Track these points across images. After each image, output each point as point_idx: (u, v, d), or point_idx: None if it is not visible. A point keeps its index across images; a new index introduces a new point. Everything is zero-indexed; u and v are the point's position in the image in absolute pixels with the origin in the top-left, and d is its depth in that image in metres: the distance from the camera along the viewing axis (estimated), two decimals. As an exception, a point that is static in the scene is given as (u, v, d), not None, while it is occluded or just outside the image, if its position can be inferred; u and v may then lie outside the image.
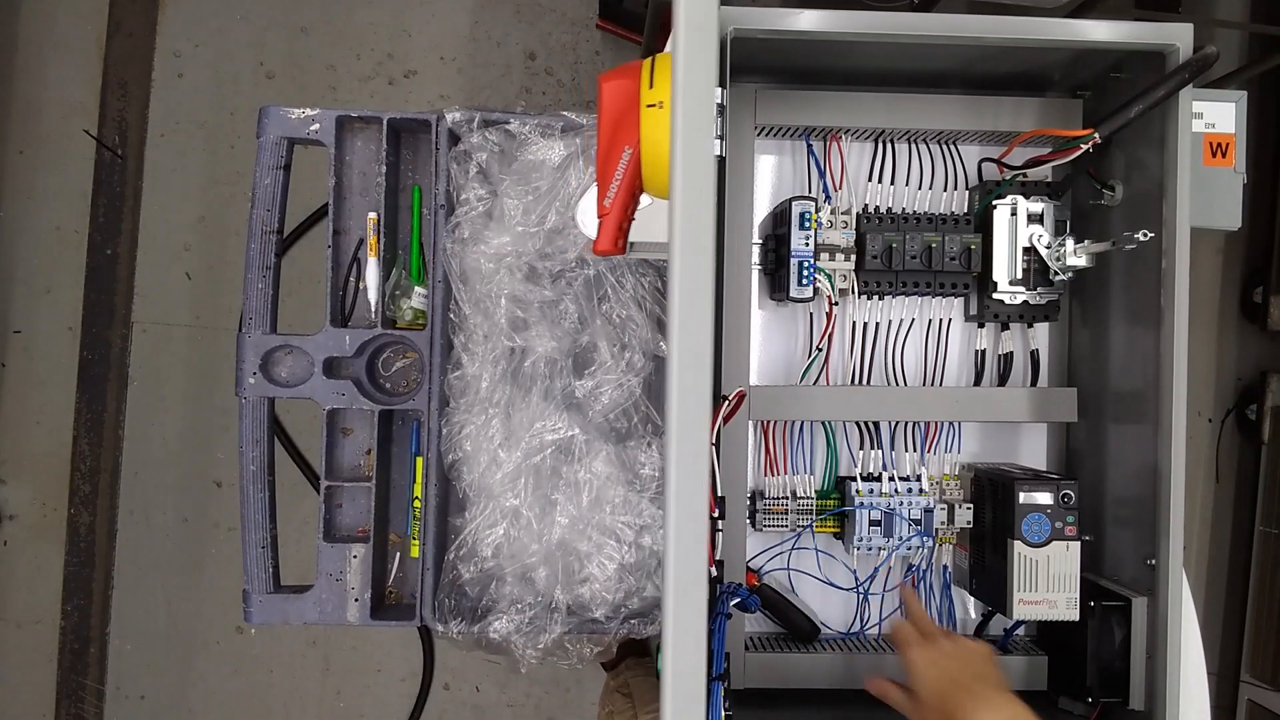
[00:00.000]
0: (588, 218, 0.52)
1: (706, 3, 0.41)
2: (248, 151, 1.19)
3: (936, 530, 1.00)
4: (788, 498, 1.01)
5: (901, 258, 0.96)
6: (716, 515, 0.78)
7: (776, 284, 0.99)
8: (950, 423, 1.03)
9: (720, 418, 0.88)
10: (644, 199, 0.91)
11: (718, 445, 0.92)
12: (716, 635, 0.74)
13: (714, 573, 0.77)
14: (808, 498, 1.01)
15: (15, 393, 1.97)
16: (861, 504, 0.98)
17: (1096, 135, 0.86)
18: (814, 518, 1.01)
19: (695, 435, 0.45)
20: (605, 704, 1.28)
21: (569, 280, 1.06)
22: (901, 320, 1.04)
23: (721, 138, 0.88)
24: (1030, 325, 1.03)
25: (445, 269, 1.04)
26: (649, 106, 0.45)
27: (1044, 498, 0.91)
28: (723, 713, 0.72)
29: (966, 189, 1.04)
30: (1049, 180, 1.00)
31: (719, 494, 0.80)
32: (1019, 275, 0.97)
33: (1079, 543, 0.91)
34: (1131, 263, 0.92)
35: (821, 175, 1.03)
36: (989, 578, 0.96)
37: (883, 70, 0.96)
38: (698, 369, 0.45)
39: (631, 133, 0.46)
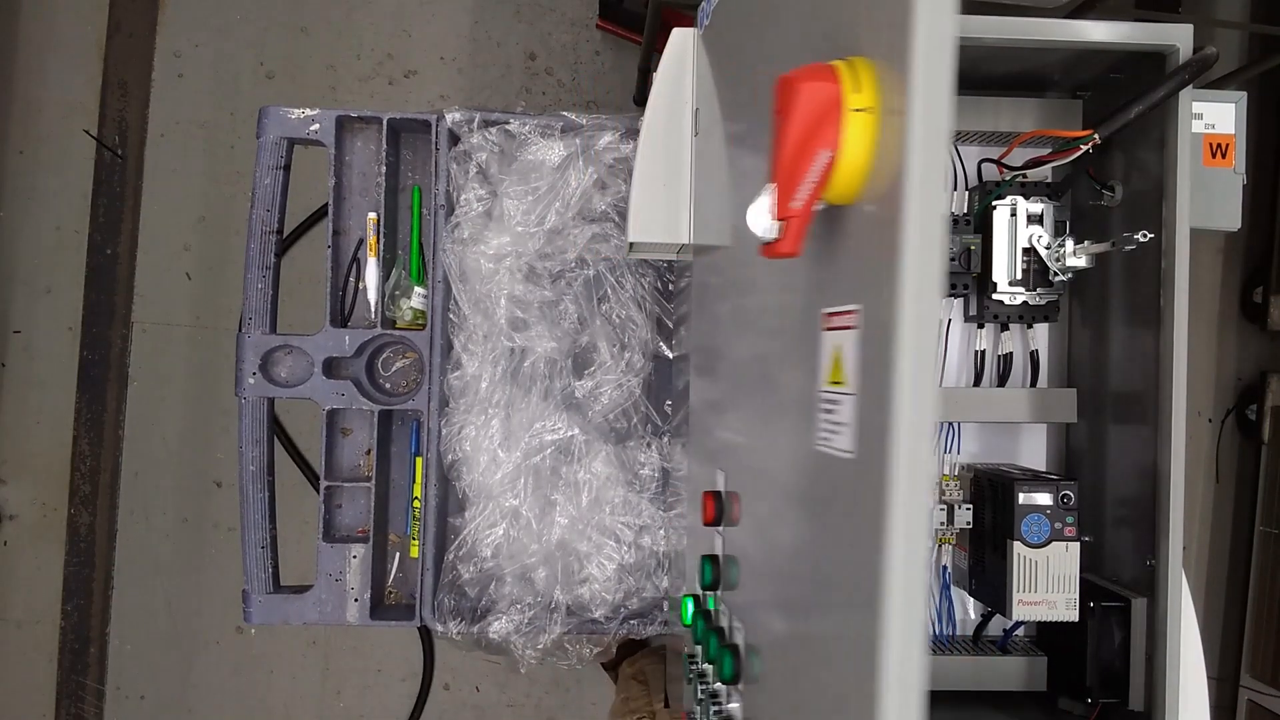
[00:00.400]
0: (760, 219, 0.52)
1: (945, 5, 0.41)
2: (248, 151, 1.19)
3: (936, 531, 1.00)
4: (787, 498, 1.01)
5: (901, 258, 0.96)
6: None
7: (776, 284, 0.99)
8: (950, 423, 1.03)
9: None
10: (636, 196, 0.91)
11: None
12: None
13: None
14: (807, 498, 1.01)
15: (15, 393, 1.97)
16: (861, 504, 0.98)
17: (1096, 136, 0.86)
18: (814, 518, 1.00)
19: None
20: (621, 691, 1.29)
21: (569, 280, 1.06)
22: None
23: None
24: (1030, 326, 1.03)
25: (445, 269, 1.04)
26: (856, 111, 0.45)
27: (1043, 498, 0.91)
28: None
29: (966, 189, 1.04)
30: (1049, 181, 1.00)
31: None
32: (1019, 276, 0.97)
33: (1079, 543, 0.90)
34: (1131, 263, 0.92)
35: (821, 175, 1.02)
36: (988, 578, 0.96)
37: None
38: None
39: (830, 136, 0.46)
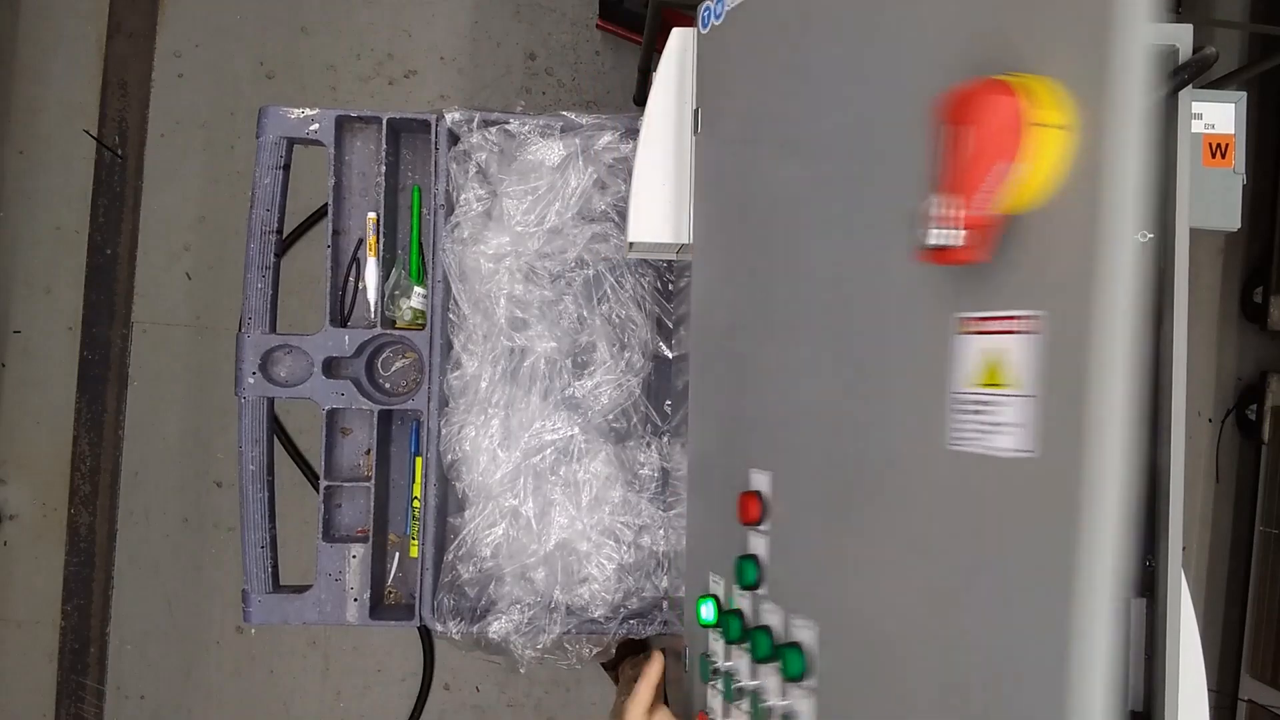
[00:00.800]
0: (929, 226, 0.56)
1: (1142, 17, 0.45)
2: (248, 151, 1.20)
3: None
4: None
5: (901, 258, 0.96)
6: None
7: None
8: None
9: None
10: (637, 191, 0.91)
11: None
12: None
13: None
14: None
15: (15, 393, 1.97)
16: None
17: (1096, 135, 0.86)
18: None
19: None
20: (622, 693, 1.30)
21: (569, 280, 1.06)
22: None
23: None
24: (1030, 325, 1.03)
25: (445, 269, 1.04)
26: (1039, 125, 0.50)
27: (1044, 498, 0.91)
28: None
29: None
30: (1049, 180, 0.99)
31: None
32: (1019, 275, 0.97)
33: (1079, 543, 0.90)
34: (1131, 263, 0.92)
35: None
36: (988, 578, 0.96)
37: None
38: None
39: (1012, 148, 0.50)
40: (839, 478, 0.69)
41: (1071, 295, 0.49)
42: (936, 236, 0.53)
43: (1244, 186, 0.95)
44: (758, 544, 0.78)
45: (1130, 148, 0.46)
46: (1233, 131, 0.94)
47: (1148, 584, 0.88)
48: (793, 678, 0.69)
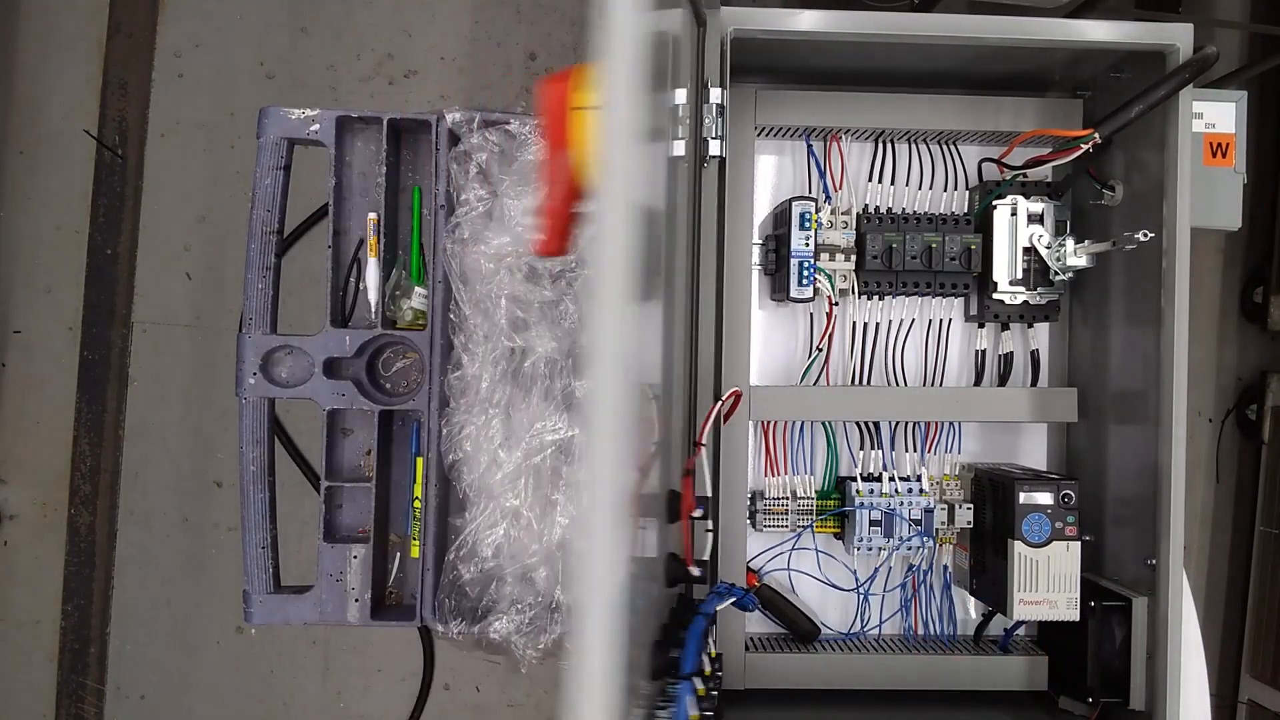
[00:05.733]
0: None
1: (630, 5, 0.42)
2: (248, 151, 1.19)
3: (937, 530, 1.00)
4: (788, 498, 1.01)
5: (902, 258, 0.96)
6: (700, 515, 0.78)
7: (777, 284, 0.99)
8: (950, 423, 1.03)
9: (718, 417, 0.89)
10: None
11: (716, 445, 0.93)
12: (692, 633, 0.74)
13: (696, 572, 0.77)
14: (808, 498, 1.01)
15: (15, 393, 1.97)
16: (862, 504, 0.98)
17: (1096, 135, 0.86)
18: (814, 518, 1.01)
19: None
20: None
21: (569, 280, 1.06)
22: (901, 320, 1.04)
23: (721, 138, 0.88)
24: (1030, 325, 1.03)
25: (445, 269, 1.04)
26: (576, 109, 0.47)
27: (1044, 498, 0.91)
28: (693, 712, 0.72)
29: (966, 189, 1.04)
30: (1049, 180, 1.00)
31: (704, 494, 0.80)
32: (1019, 275, 0.97)
33: (1079, 543, 0.91)
34: (1131, 263, 0.92)
35: (822, 175, 1.03)
36: (989, 578, 0.96)
37: (883, 70, 0.96)
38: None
39: (562, 134, 0.48)
40: None
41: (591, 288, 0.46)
42: (534, 230, 0.52)
43: (1244, 186, 0.96)
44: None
45: (615, 128, 0.43)
46: (1233, 131, 0.94)
47: (1148, 583, 0.88)
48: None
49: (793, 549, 1.03)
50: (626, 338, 0.42)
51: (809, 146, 1.02)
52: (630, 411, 0.42)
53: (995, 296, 0.98)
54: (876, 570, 1.03)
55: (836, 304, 0.99)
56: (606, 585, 0.41)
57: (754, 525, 1.00)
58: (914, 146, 1.03)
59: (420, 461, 1.07)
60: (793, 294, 0.94)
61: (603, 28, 0.42)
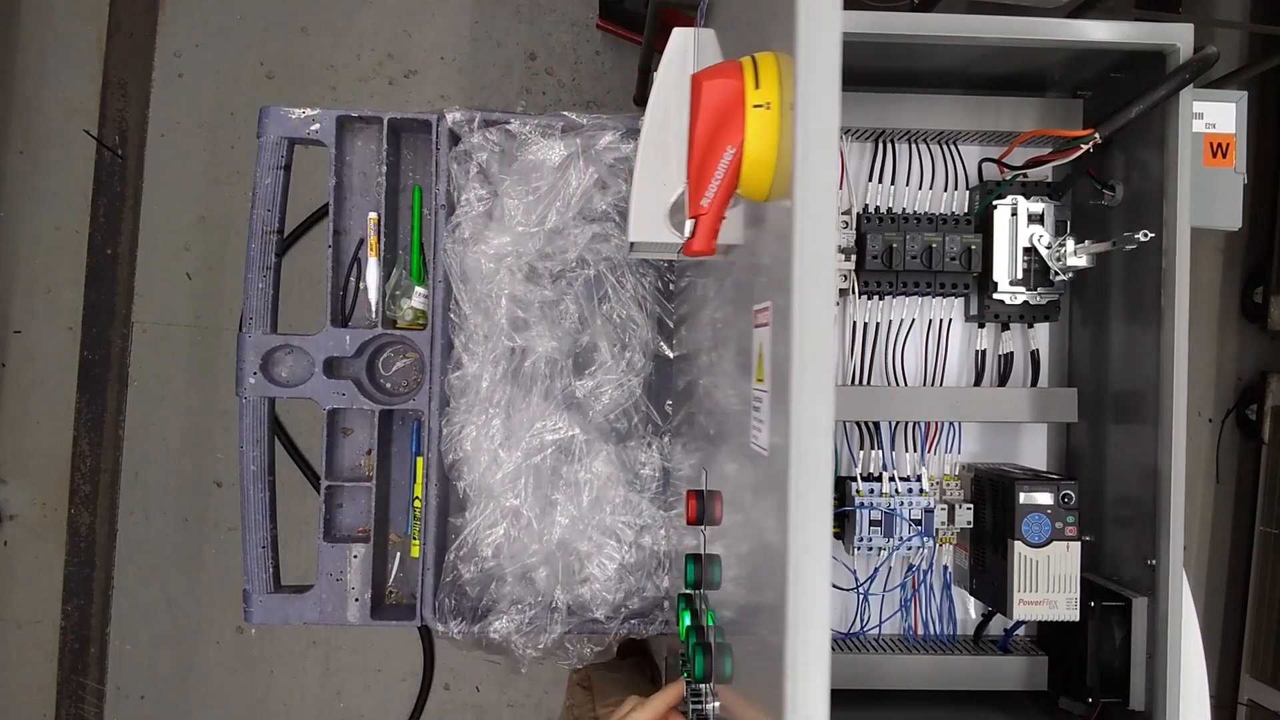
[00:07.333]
0: (677, 217, 0.52)
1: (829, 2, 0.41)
2: (248, 151, 1.20)
3: (937, 530, 1.00)
4: (788, 498, 1.00)
5: (902, 258, 0.96)
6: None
7: (777, 284, 0.99)
8: (950, 423, 1.03)
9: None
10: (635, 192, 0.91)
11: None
12: None
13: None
14: (808, 498, 1.01)
15: (15, 393, 1.97)
16: (862, 504, 0.98)
17: (1096, 135, 0.86)
18: (814, 518, 1.00)
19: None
20: (567, 697, 1.30)
21: (569, 280, 1.07)
22: (901, 320, 1.04)
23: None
24: (1030, 325, 1.03)
25: (445, 269, 1.04)
26: (755, 107, 0.45)
27: (1044, 498, 0.91)
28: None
29: (966, 189, 1.04)
30: (1049, 180, 1.00)
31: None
32: (1019, 275, 0.97)
33: (1079, 543, 0.91)
34: (1131, 263, 0.92)
35: (822, 175, 1.02)
36: (989, 578, 0.96)
37: (882, 70, 0.96)
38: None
39: (734, 133, 0.46)
40: (720, 480, 0.69)
41: (781, 283, 0.45)
42: (680, 228, 0.51)
43: (1244, 186, 0.96)
44: (701, 542, 0.78)
45: (818, 128, 0.42)
46: (1233, 131, 0.94)
47: (1148, 583, 0.88)
48: (698, 679, 0.68)
49: (793, 549, 1.03)
50: (828, 339, 0.42)
51: (809, 146, 1.02)
52: (830, 406, 0.43)
53: (995, 296, 0.98)
54: (876, 570, 1.03)
55: (836, 304, 0.99)
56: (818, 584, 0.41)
57: (754, 525, 1.00)
58: (914, 146, 1.03)
59: (420, 461, 1.07)
60: (793, 294, 0.94)
61: (803, 25, 0.41)
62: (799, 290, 0.42)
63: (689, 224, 0.50)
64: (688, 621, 0.76)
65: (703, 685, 0.70)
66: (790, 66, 0.43)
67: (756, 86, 0.46)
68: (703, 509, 0.76)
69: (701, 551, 0.77)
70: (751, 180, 0.47)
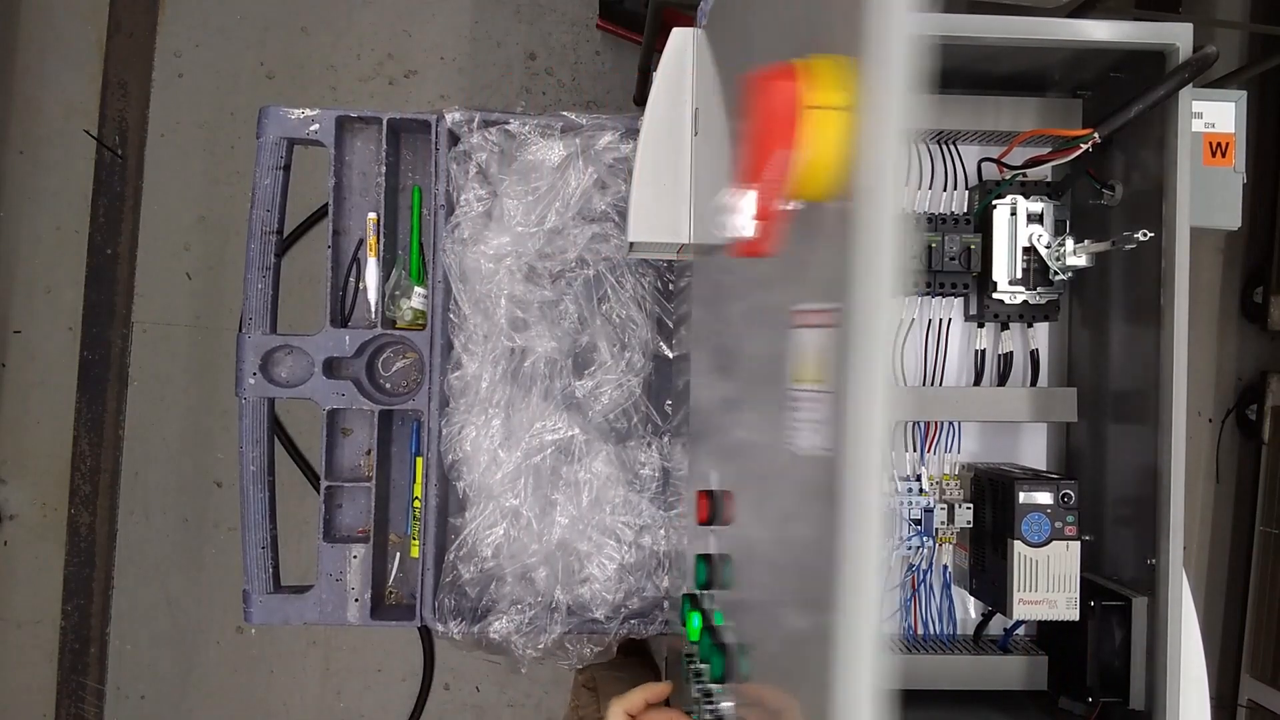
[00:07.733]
0: (732, 217, 0.52)
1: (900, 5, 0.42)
2: (248, 151, 1.19)
3: (936, 530, 1.00)
4: (788, 498, 1.01)
5: (901, 258, 0.96)
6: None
7: (776, 284, 0.99)
8: (950, 422, 1.03)
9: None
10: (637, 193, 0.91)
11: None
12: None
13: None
14: (808, 498, 1.01)
15: (15, 393, 1.97)
16: (861, 504, 0.98)
17: (1096, 135, 0.86)
18: (814, 518, 1.00)
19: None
20: (572, 698, 1.30)
21: (569, 280, 1.07)
22: (901, 320, 1.04)
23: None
24: (1030, 325, 1.03)
25: (445, 269, 1.04)
26: (813, 108, 0.46)
27: (1044, 497, 0.91)
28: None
29: (966, 189, 1.04)
30: (1049, 180, 1.00)
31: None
32: (1019, 275, 0.97)
33: (1079, 543, 0.90)
34: (1131, 262, 0.92)
35: (821, 175, 1.02)
36: (989, 578, 0.96)
37: (882, 70, 0.96)
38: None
39: (790, 134, 0.46)
40: (738, 480, 0.69)
41: (842, 285, 0.45)
42: (732, 228, 0.51)
43: (1244, 186, 0.96)
44: (712, 543, 0.78)
45: (885, 130, 0.43)
46: (1233, 130, 0.94)
47: (1148, 583, 0.88)
48: (715, 679, 0.68)
49: (792, 549, 1.03)
50: (889, 344, 0.42)
51: (809, 146, 1.02)
52: (887, 410, 0.42)
53: (995, 296, 0.98)
54: (876, 570, 1.03)
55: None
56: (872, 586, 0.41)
57: (754, 525, 1.00)
58: (913, 146, 1.03)
59: (420, 461, 1.07)
60: (792, 294, 0.94)
61: (871, 25, 0.41)
62: (859, 292, 0.42)
63: (751, 224, 0.50)
64: (698, 623, 0.76)
65: (714, 686, 0.70)
66: (857, 69, 0.44)
67: (814, 88, 0.46)
68: (715, 509, 0.76)
69: (713, 551, 0.77)
70: (810, 181, 0.47)
